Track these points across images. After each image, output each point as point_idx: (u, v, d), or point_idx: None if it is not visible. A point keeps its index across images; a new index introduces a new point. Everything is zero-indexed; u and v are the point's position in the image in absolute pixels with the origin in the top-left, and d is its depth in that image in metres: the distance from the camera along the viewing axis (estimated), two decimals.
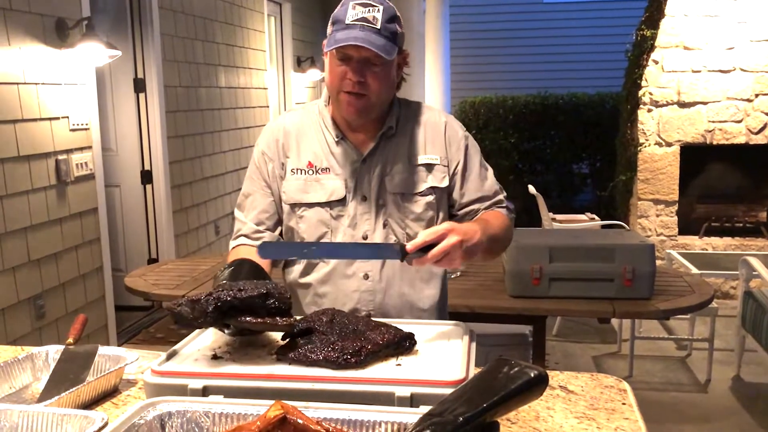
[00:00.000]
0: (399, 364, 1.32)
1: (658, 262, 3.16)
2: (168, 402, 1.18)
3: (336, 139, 1.75)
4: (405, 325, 1.47)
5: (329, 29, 1.66)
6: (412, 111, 1.81)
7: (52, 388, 1.40)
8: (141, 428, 1.12)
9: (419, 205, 1.75)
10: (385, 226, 1.74)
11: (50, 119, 3.80)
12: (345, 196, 1.73)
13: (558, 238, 3.36)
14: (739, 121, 5.59)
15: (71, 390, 1.32)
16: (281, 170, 1.77)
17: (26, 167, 3.61)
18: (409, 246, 1.44)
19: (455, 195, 1.79)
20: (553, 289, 3.00)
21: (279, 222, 1.80)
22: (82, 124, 4.09)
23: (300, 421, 1.02)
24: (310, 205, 1.74)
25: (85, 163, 4.11)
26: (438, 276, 1.83)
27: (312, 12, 8.59)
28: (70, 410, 1.25)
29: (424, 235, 1.45)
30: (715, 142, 5.65)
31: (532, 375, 1.04)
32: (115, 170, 5.04)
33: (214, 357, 1.37)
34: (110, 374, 1.43)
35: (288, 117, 1.83)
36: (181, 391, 1.24)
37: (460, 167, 1.79)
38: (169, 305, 1.37)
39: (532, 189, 5.51)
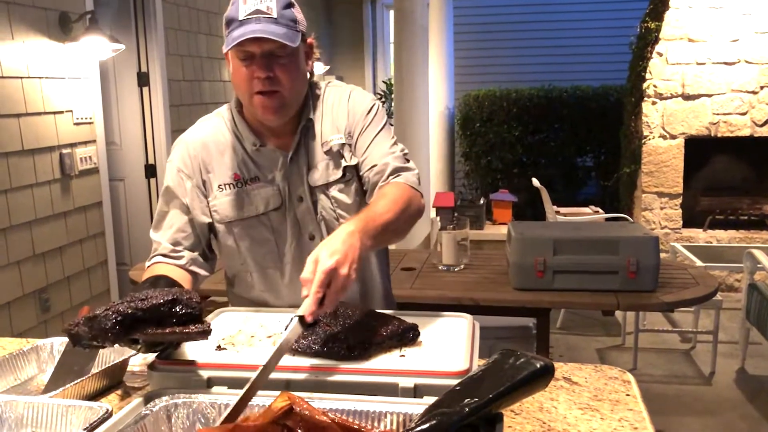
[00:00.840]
0: (403, 356, 1.33)
1: (662, 255, 3.16)
2: (174, 393, 1.18)
3: (254, 146, 1.64)
4: (408, 316, 1.47)
5: (224, 31, 1.54)
6: (320, 95, 1.71)
7: (57, 380, 1.40)
8: (147, 419, 1.12)
9: (344, 190, 1.66)
10: (323, 220, 1.66)
11: (54, 113, 3.81)
12: (282, 202, 1.65)
13: (562, 230, 3.35)
14: (744, 114, 5.57)
15: (76, 381, 1.33)
16: (203, 188, 1.66)
17: (30, 161, 3.62)
18: (308, 317, 1.24)
19: (365, 172, 1.66)
20: (557, 281, 3.00)
21: (197, 243, 1.65)
22: (85, 118, 4.09)
23: (306, 412, 1.02)
24: (248, 221, 1.64)
25: (89, 157, 4.12)
26: (380, 253, 1.78)
27: (314, 6, 8.58)
28: (75, 401, 1.26)
29: (313, 296, 1.24)
30: (719, 135, 5.63)
31: (539, 366, 1.04)
32: (119, 164, 5.05)
33: (219, 348, 1.37)
34: (115, 366, 1.44)
35: (200, 130, 1.70)
36: (186, 382, 1.25)
37: (356, 136, 1.67)
38: (66, 327, 1.24)
39: (536, 182, 5.50)
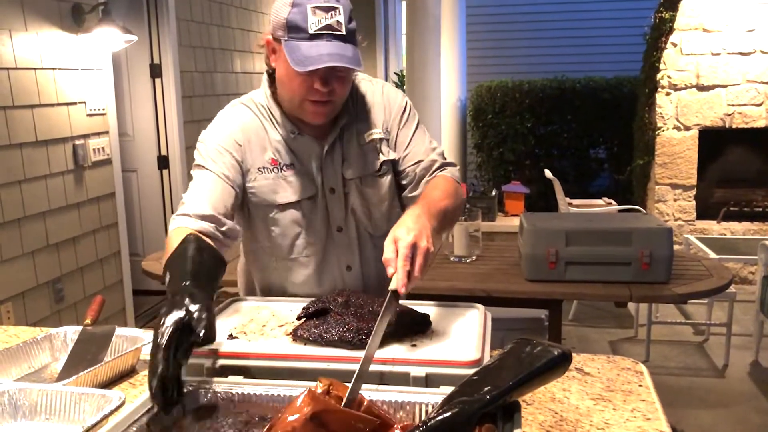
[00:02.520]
0: (414, 345, 1.33)
1: (676, 247, 3.13)
2: (188, 382, 1.18)
3: (292, 135, 1.64)
4: (420, 306, 1.47)
5: (282, 32, 1.49)
6: (358, 92, 1.71)
7: (71, 368, 1.41)
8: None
9: (379, 184, 1.68)
10: (353, 213, 1.68)
11: (67, 104, 3.82)
12: (316, 191, 1.65)
13: (574, 221, 3.34)
14: (759, 105, 5.52)
15: (89, 369, 1.34)
16: (238, 167, 1.62)
17: (44, 152, 3.64)
18: (401, 289, 1.28)
19: (406, 168, 1.70)
20: (569, 273, 2.99)
21: (228, 213, 1.57)
22: (98, 110, 4.11)
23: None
24: (283, 207, 1.65)
25: (102, 148, 4.14)
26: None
27: None
28: (88, 389, 1.27)
29: (401, 271, 1.29)
30: (734, 126, 5.58)
31: (556, 353, 1.04)
32: (132, 155, 5.07)
33: (231, 337, 1.38)
34: (127, 354, 1.44)
35: (238, 111, 1.68)
36: (198, 370, 1.25)
37: (395, 133, 1.70)
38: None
39: (548, 173, 5.48)
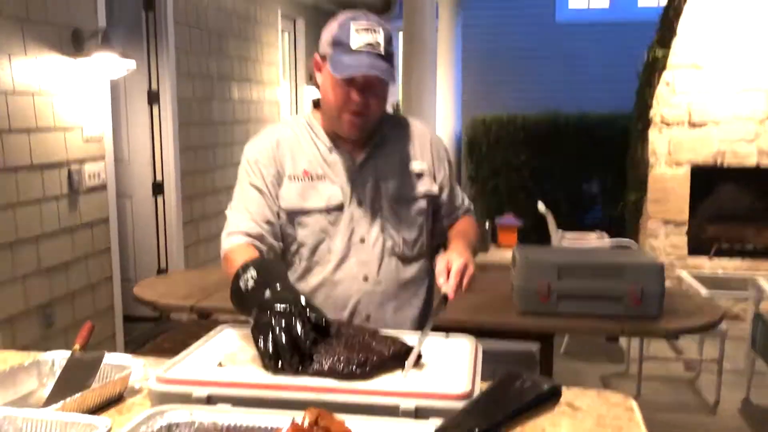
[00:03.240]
0: (404, 377, 1.32)
1: (668, 283, 3.14)
2: (175, 411, 1.18)
3: (329, 148, 1.80)
4: (412, 336, 1.47)
5: (328, 49, 1.69)
6: (399, 123, 1.91)
7: (57, 394, 1.40)
8: None
9: (413, 210, 1.83)
10: (383, 230, 1.80)
11: (64, 129, 3.83)
12: (342, 201, 1.77)
13: (567, 255, 3.35)
14: (751, 142, 5.57)
15: (76, 396, 1.33)
16: (277, 178, 1.78)
17: (39, 176, 3.64)
18: (451, 294, 1.60)
19: (441, 206, 1.91)
20: (561, 306, 2.99)
21: (271, 229, 1.78)
22: (95, 135, 4.12)
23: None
24: (309, 212, 1.77)
25: (98, 173, 4.14)
26: (425, 281, 1.90)
27: (323, 26, 8.64)
28: (75, 415, 1.25)
29: (453, 278, 1.60)
30: (726, 163, 5.63)
31: (546, 388, 1.04)
32: (127, 181, 5.07)
33: (220, 365, 1.37)
34: (115, 381, 1.43)
35: (277, 129, 1.87)
36: (186, 398, 1.25)
37: (445, 181, 1.90)
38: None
39: (541, 206, 5.50)
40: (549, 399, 1.06)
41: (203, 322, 4.85)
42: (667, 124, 5.66)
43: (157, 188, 5.11)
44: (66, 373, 1.48)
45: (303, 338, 1.35)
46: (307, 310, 1.42)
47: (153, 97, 5.01)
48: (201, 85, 5.49)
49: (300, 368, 1.32)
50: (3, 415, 1.24)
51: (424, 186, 1.84)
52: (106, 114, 4.24)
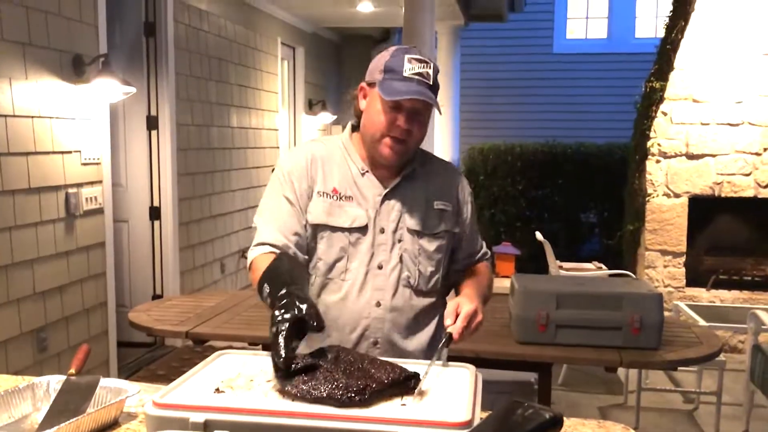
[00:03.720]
0: (404, 404, 1.31)
1: (666, 314, 3.13)
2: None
3: (361, 172, 1.84)
4: (411, 365, 1.46)
5: (379, 75, 1.75)
6: (427, 159, 1.95)
7: (52, 419, 1.38)
8: None
9: (433, 244, 1.85)
10: (401, 259, 1.82)
11: (62, 153, 3.84)
12: (366, 224, 1.81)
13: (565, 284, 3.34)
14: (748, 175, 5.59)
15: (71, 421, 1.31)
16: (308, 192, 1.82)
17: (36, 199, 3.64)
18: (455, 335, 1.63)
19: (460, 248, 1.95)
20: (559, 336, 2.97)
21: (300, 239, 1.81)
22: (93, 159, 4.12)
23: None
24: (333, 229, 1.80)
25: (95, 197, 4.14)
26: (437, 314, 1.91)
27: (324, 57, 8.72)
28: None
29: (460, 321, 1.65)
30: (723, 195, 5.64)
31: (547, 417, 1.03)
32: (124, 205, 5.06)
33: (217, 391, 1.35)
34: (111, 406, 1.41)
35: (313, 145, 1.91)
36: (183, 424, 1.23)
37: (466, 224, 1.94)
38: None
39: (539, 236, 5.50)
40: (550, 428, 1.05)
41: (198, 348, 4.82)
42: (665, 155, 5.68)
43: (154, 213, 5.11)
44: (61, 397, 1.46)
45: (283, 347, 1.36)
46: (300, 312, 1.41)
47: (152, 123, 5.03)
48: (200, 111, 5.51)
49: (287, 370, 1.35)
50: None
51: (446, 224, 1.87)
52: (104, 138, 4.25)
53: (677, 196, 5.70)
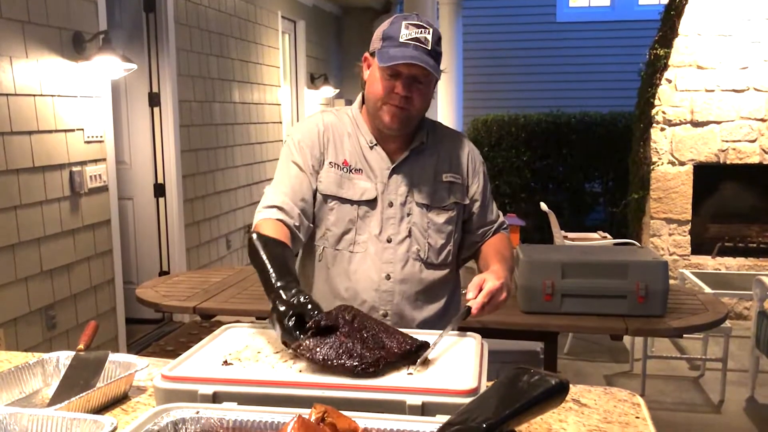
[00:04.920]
0: (410, 373, 1.32)
1: (671, 282, 3.13)
2: (182, 408, 1.17)
3: (370, 145, 1.83)
4: (418, 334, 1.46)
5: (378, 43, 1.74)
6: (440, 131, 1.93)
7: (62, 393, 1.39)
8: None
9: (442, 217, 1.85)
10: (409, 233, 1.82)
11: (65, 131, 3.83)
12: (375, 197, 1.81)
13: (570, 254, 3.34)
14: (753, 141, 5.56)
15: (81, 395, 1.32)
16: (319, 160, 1.82)
17: (41, 178, 3.64)
18: (474, 309, 1.61)
19: (472, 218, 1.93)
20: (565, 305, 2.98)
21: (306, 207, 1.81)
22: (96, 137, 4.12)
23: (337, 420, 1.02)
24: (342, 201, 1.81)
25: (99, 175, 4.14)
26: (449, 287, 1.91)
27: (326, 30, 8.65)
28: (80, 414, 1.25)
29: (482, 297, 1.62)
30: (728, 162, 5.62)
31: (554, 383, 1.04)
32: (129, 183, 5.07)
33: (225, 363, 1.37)
34: (120, 380, 1.43)
35: (324, 115, 1.89)
36: (191, 396, 1.24)
37: (478, 193, 1.92)
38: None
39: (544, 206, 5.49)
40: (556, 394, 1.06)
41: (206, 323, 4.85)
42: (669, 123, 5.65)
43: (159, 190, 5.11)
44: (71, 372, 1.48)
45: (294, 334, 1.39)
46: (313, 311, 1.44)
47: (154, 99, 5.01)
48: (202, 87, 5.48)
49: (298, 334, 1.37)
50: (8, 413, 1.24)
51: (455, 196, 1.86)
52: (107, 116, 4.24)
53: (682, 163, 5.68)
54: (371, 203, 1.81)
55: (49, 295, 3.72)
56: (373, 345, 1.35)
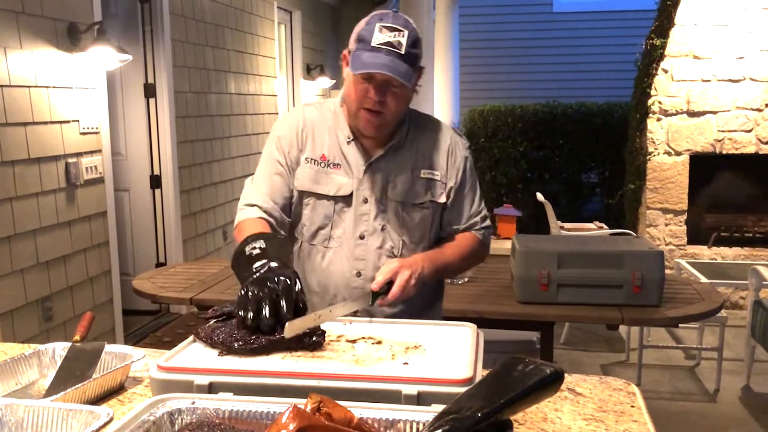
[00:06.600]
0: (406, 363, 1.32)
1: (667, 272, 3.14)
2: (178, 399, 1.17)
3: (347, 140, 1.82)
4: (413, 324, 1.47)
5: (353, 45, 1.72)
6: (421, 125, 1.89)
7: (59, 384, 1.39)
8: (151, 425, 1.11)
9: (417, 215, 1.83)
10: (383, 229, 1.82)
11: (61, 122, 3.82)
12: (351, 193, 1.80)
13: (566, 244, 3.35)
14: (749, 131, 5.57)
15: (77, 386, 1.32)
16: (296, 158, 1.83)
17: (36, 170, 3.63)
18: (374, 285, 1.63)
19: (443, 215, 1.89)
20: (561, 295, 2.99)
21: (286, 204, 1.83)
22: (92, 128, 4.11)
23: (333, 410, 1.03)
24: (318, 196, 1.81)
25: (95, 166, 4.13)
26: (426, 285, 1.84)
27: (322, 20, 8.62)
28: (76, 405, 1.25)
29: (382, 275, 1.64)
30: (724, 152, 5.63)
31: (549, 372, 1.04)
32: (125, 174, 5.06)
33: (221, 354, 1.37)
34: (116, 371, 1.43)
35: (306, 109, 1.89)
36: (187, 387, 1.24)
37: (454, 185, 1.87)
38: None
39: (540, 197, 5.50)
40: (551, 384, 1.06)
41: (202, 314, 4.85)
42: (666, 113, 5.65)
43: (155, 181, 5.10)
44: (67, 363, 1.48)
45: (284, 313, 1.39)
46: (298, 291, 1.45)
47: (149, 90, 5.00)
48: (197, 78, 5.47)
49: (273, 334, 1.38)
50: (4, 404, 1.24)
51: (432, 193, 1.83)
52: (102, 107, 4.23)
53: (678, 154, 5.69)
54: (347, 199, 1.80)
55: (46, 286, 3.72)
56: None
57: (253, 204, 1.80)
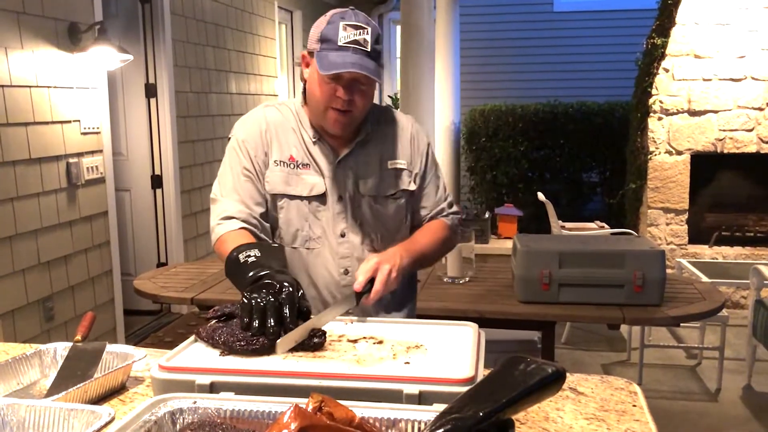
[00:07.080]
0: (407, 362, 1.32)
1: (668, 271, 3.14)
2: (179, 399, 1.17)
3: (313, 140, 1.81)
4: (414, 324, 1.47)
5: (316, 45, 1.69)
6: (384, 117, 1.89)
7: (60, 384, 1.40)
8: (152, 425, 1.11)
9: (391, 206, 1.84)
10: (361, 225, 1.82)
11: (62, 122, 3.82)
12: (325, 192, 1.79)
13: (568, 243, 3.34)
14: (750, 130, 5.56)
15: (78, 386, 1.32)
16: (264, 161, 1.80)
17: (37, 170, 3.63)
18: (356, 286, 1.61)
19: (413, 201, 1.89)
20: (562, 294, 2.99)
21: (262, 209, 1.80)
22: (93, 128, 4.11)
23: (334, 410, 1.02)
24: (292, 198, 1.79)
25: (96, 166, 4.13)
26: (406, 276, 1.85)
27: None
28: (77, 405, 1.25)
29: (362, 274, 1.62)
30: (725, 151, 5.62)
31: (550, 371, 1.03)
32: (126, 174, 5.06)
33: (222, 353, 1.37)
34: (118, 371, 1.43)
35: (267, 111, 1.86)
36: (189, 386, 1.24)
37: (419, 172, 1.88)
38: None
39: (541, 196, 5.49)
40: (553, 382, 1.05)
41: (204, 314, 4.85)
42: (667, 112, 5.65)
43: (156, 181, 5.10)
44: (68, 363, 1.48)
45: (288, 320, 1.39)
46: (300, 297, 1.45)
47: (150, 90, 5.00)
48: (198, 78, 5.47)
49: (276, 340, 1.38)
50: (6, 404, 1.24)
51: (402, 183, 1.84)
52: (103, 107, 4.23)
53: (679, 153, 5.68)
54: (321, 198, 1.79)
55: (47, 286, 3.72)
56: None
57: (230, 216, 1.75)
